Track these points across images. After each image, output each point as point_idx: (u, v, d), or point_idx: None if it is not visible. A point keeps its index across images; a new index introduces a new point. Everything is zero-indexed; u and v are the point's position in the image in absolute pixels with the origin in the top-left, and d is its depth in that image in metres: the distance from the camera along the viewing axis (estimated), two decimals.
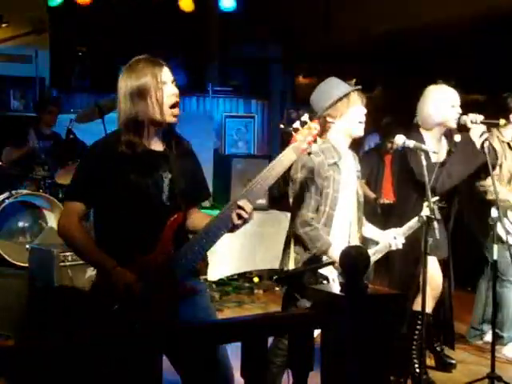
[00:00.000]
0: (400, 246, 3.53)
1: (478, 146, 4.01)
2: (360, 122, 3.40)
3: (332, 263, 3.22)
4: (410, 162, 4.04)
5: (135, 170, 2.62)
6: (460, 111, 4.09)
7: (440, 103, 4.08)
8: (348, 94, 3.36)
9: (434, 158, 4.02)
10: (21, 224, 5.89)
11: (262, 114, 9.82)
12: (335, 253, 3.20)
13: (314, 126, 2.67)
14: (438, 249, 4.07)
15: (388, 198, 6.23)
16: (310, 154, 3.02)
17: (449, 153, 4.22)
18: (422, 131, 4.15)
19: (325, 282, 3.24)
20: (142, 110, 2.60)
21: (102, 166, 2.62)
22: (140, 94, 2.60)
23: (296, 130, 2.65)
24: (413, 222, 3.58)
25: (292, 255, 3.39)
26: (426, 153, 3.71)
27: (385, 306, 2.22)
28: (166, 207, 2.66)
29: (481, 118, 4.03)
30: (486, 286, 4.91)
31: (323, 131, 3.37)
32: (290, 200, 3.42)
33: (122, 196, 2.62)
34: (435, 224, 3.51)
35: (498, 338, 4.65)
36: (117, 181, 2.61)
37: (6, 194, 5.75)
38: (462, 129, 4.16)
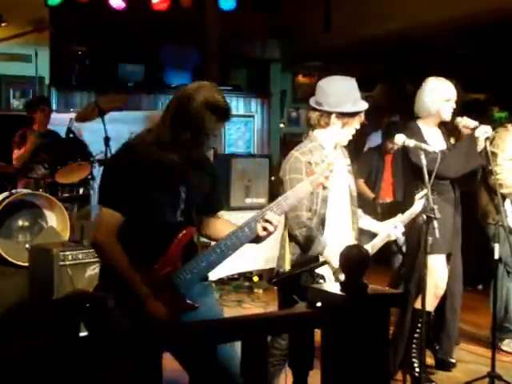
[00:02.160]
0: (400, 235, 3.51)
1: (482, 143, 4.03)
2: (351, 133, 3.40)
3: (327, 262, 3.22)
4: (410, 160, 4.05)
5: (158, 182, 2.60)
6: (454, 106, 4.17)
7: (435, 95, 4.16)
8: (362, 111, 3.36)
9: (432, 148, 4.02)
10: (21, 223, 5.87)
11: (262, 114, 9.82)
12: (330, 253, 3.21)
13: (332, 162, 2.73)
14: (444, 244, 4.06)
15: (387, 197, 6.23)
16: (324, 188, 3.02)
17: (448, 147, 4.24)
18: (419, 122, 4.21)
19: (321, 280, 3.24)
20: (188, 139, 2.57)
21: (136, 173, 2.57)
22: (196, 126, 2.55)
23: (316, 164, 2.73)
24: (414, 209, 3.56)
25: (288, 256, 3.38)
26: (427, 152, 3.71)
27: (385, 305, 2.21)
28: (179, 222, 2.65)
29: (475, 123, 4.06)
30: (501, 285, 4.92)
31: (316, 126, 3.37)
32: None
33: (140, 207, 2.58)
34: (435, 223, 3.51)
35: (508, 333, 4.70)
36: (140, 191, 2.57)
37: (5, 194, 5.74)
38: (453, 130, 4.23)
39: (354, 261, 2.17)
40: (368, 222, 3.58)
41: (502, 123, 4.66)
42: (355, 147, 7.49)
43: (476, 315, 5.45)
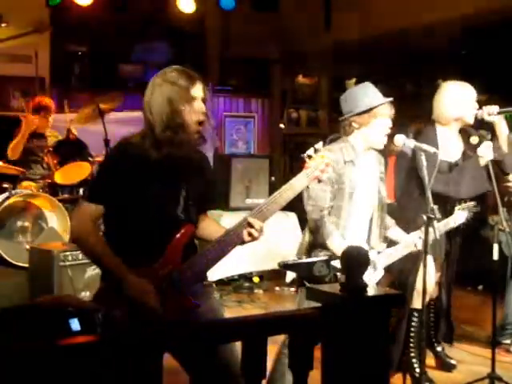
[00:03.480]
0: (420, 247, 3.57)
1: (489, 157, 4.01)
2: (382, 134, 3.47)
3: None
4: (412, 161, 4.06)
5: (155, 179, 2.59)
6: (477, 107, 4.12)
7: (458, 99, 4.13)
8: (376, 106, 3.43)
9: (447, 156, 4.02)
10: (21, 224, 5.88)
11: (262, 114, 9.82)
12: (334, 243, 3.27)
13: (327, 155, 2.74)
14: (435, 247, 4.08)
15: (390, 199, 6.24)
16: (320, 181, 3.06)
17: (464, 154, 4.23)
18: (438, 126, 4.18)
19: (338, 273, 3.26)
20: (171, 117, 2.57)
21: (126, 168, 2.57)
22: (171, 99, 2.57)
23: (309, 156, 2.70)
24: (452, 220, 3.61)
25: (304, 243, 3.47)
26: (428, 153, 3.71)
27: (385, 305, 2.22)
28: (180, 220, 2.65)
29: (496, 108, 4.04)
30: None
31: (346, 133, 3.53)
32: (305, 193, 3.46)
33: (138, 204, 2.58)
34: (435, 224, 3.52)
35: None
36: (136, 188, 2.57)
37: (5, 194, 5.74)
38: (478, 126, 4.21)
39: (354, 261, 2.17)
40: (396, 233, 3.67)
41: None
42: None
43: (476, 315, 5.45)
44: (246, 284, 6.71)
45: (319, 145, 2.73)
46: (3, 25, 7.42)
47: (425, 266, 3.54)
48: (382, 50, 8.28)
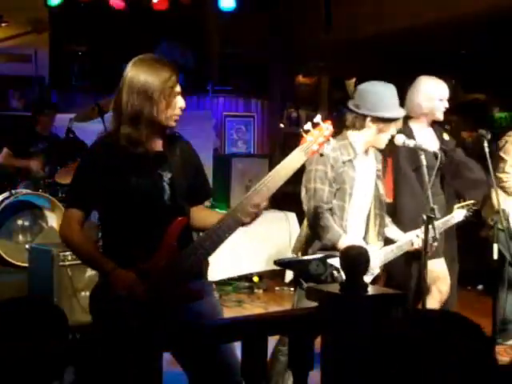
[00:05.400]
0: (421, 244, 3.54)
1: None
2: (388, 138, 3.46)
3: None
4: (410, 160, 4.07)
5: (135, 170, 2.57)
6: (447, 105, 4.16)
7: (429, 94, 4.14)
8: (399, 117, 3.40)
9: (433, 149, 4.02)
10: (21, 224, 5.88)
11: (262, 114, 9.81)
12: (343, 245, 3.25)
13: (326, 127, 2.60)
14: (441, 247, 4.08)
15: (389, 198, 6.23)
16: (321, 155, 3.02)
17: (441, 149, 4.22)
18: (411, 123, 4.19)
19: (335, 272, 3.25)
20: (145, 108, 2.53)
21: (101, 169, 2.58)
22: (146, 91, 2.52)
23: (306, 131, 2.58)
24: (451, 218, 3.60)
25: (301, 239, 3.44)
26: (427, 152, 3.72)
27: (385, 306, 2.21)
28: (168, 208, 2.62)
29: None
30: (508, 286, 4.92)
31: (353, 127, 3.42)
32: (303, 190, 3.42)
33: (123, 197, 2.58)
34: (435, 223, 3.52)
35: None
36: (117, 182, 2.57)
37: (5, 194, 5.74)
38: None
39: (353, 261, 2.17)
40: (393, 232, 3.64)
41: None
42: None
43: (476, 315, 5.43)
44: (246, 284, 6.71)
45: (318, 118, 2.61)
46: (3, 24, 7.41)
47: (425, 266, 3.54)
48: (382, 49, 8.28)
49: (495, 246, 4.06)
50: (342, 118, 3.52)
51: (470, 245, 5.40)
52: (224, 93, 9.63)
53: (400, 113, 3.41)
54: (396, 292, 2.41)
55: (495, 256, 4.05)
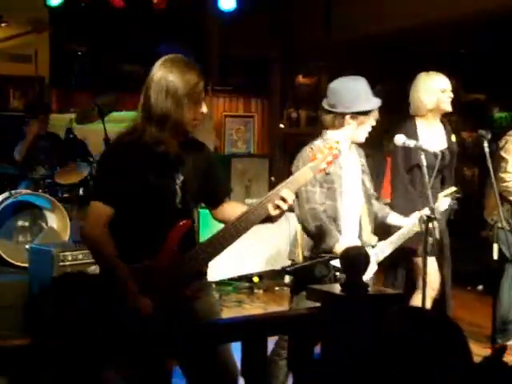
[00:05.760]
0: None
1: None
2: (367, 132, 3.44)
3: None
4: (406, 159, 4.09)
5: (154, 170, 2.57)
6: (451, 95, 4.14)
7: (429, 88, 4.16)
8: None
9: (434, 148, 4.02)
10: (21, 224, 5.87)
11: (262, 114, 9.81)
12: (342, 248, 3.24)
13: (336, 146, 2.65)
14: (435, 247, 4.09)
15: (388, 198, 6.23)
16: (328, 174, 3.04)
17: (450, 150, 4.23)
18: (417, 120, 4.19)
19: (337, 273, 3.25)
20: (172, 110, 2.53)
21: (125, 166, 2.55)
22: (174, 94, 2.52)
23: (317, 148, 2.65)
24: (438, 206, 3.59)
25: (300, 249, 3.42)
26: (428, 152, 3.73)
27: (385, 306, 2.21)
28: (178, 210, 2.63)
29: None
30: (509, 285, 4.91)
31: (333, 127, 3.38)
32: (296, 200, 3.40)
33: (140, 196, 2.56)
34: (435, 224, 3.52)
35: None
36: (137, 180, 2.55)
37: (5, 194, 5.74)
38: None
39: (354, 261, 2.17)
40: (396, 218, 3.63)
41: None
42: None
43: (476, 315, 5.45)
44: (246, 284, 6.71)
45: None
46: (3, 24, 7.41)
47: (425, 266, 3.54)
48: (382, 49, 8.28)
49: (495, 246, 4.06)
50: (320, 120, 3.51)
51: (470, 245, 5.40)
52: (224, 93, 9.63)
53: (377, 102, 3.40)
54: (396, 292, 2.42)
55: (495, 256, 4.05)
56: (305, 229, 3.38)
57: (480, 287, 6.62)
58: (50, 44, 8.12)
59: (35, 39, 7.70)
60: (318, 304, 2.22)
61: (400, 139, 3.71)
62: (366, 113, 3.36)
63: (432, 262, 4.09)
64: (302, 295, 3.24)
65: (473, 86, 8.61)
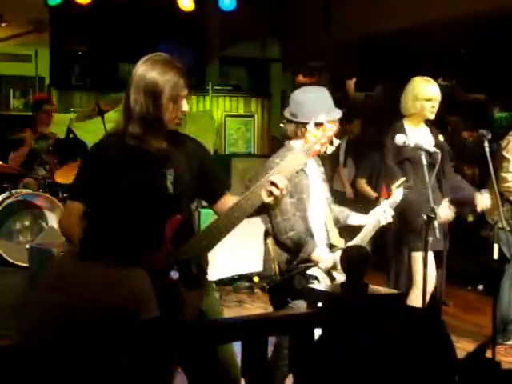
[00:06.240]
0: (390, 219, 3.52)
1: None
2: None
3: (315, 264, 3.24)
4: (395, 155, 4.14)
5: (139, 168, 2.57)
6: (436, 106, 4.19)
7: (416, 95, 4.22)
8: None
9: (433, 149, 4.04)
10: (21, 224, 5.88)
11: (262, 113, 9.82)
12: (319, 254, 3.23)
13: (330, 127, 2.57)
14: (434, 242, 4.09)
15: (384, 197, 6.23)
16: (323, 156, 3.00)
17: (436, 146, 4.25)
18: (405, 121, 4.27)
19: (315, 281, 3.24)
20: (151, 110, 2.52)
21: (105, 165, 2.58)
22: (153, 93, 2.51)
23: (309, 131, 2.57)
24: (395, 198, 3.58)
25: (275, 261, 3.37)
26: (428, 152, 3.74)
27: (385, 305, 2.21)
28: (171, 206, 2.60)
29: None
30: (509, 285, 4.92)
31: (296, 136, 3.35)
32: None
33: (125, 195, 2.57)
34: (435, 223, 3.52)
35: None
36: (120, 179, 2.56)
37: (5, 194, 5.74)
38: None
39: (354, 261, 2.17)
40: (357, 218, 3.61)
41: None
42: (356, 147, 7.49)
43: (476, 315, 5.45)
44: (247, 284, 6.71)
45: (322, 118, 2.57)
46: (3, 24, 7.42)
47: (425, 266, 3.54)
48: (382, 49, 8.28)
49: (495, 246, 4.06)
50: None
51: (470, 245, 5.40)
52: (224, 92, 9.64)
53: (338, 113, 3.38)
54: (396, 292, 2.42)
55: (495, 256, 4.05)
56: (279, 242, 3.34)
57: (480, 287, 6.62)
58: (50, 44, 8.13)
59: (35, 39, 7.71)
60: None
61: (400, 139, 3.73)
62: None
63: (429, 257, 4.10)
64: (289, 308, 3.23)
65: (473, 86, 8.62)
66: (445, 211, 3.90)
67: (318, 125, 3.02)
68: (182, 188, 2.64)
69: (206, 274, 2.77)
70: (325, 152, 2.63)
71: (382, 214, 3.50)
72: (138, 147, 2.56)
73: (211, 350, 2.46)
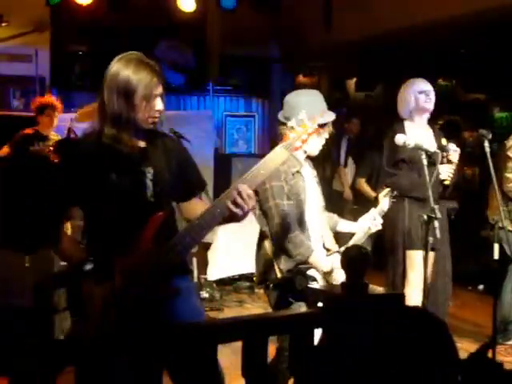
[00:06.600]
0: (379, 227, 3.52)
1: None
2: (321, 144, 3.43)
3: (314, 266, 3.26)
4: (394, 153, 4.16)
5: (116, 168, 2.54)
6: (431, 97, 4.25)
7: (408, 89, 4.31)
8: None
9: (433, 148, 4.05)
10: None
11: (263, 113, 9.83)
12: (317, 259, 3.24)
13: (310, 125, 2.59)
14: (418, 240, 4.11)
15: None
16: (305, 152, 3.06)
17: (442, 151, 4.25)
18: (406, 123, 4.30)
19: (314, 282, 3.24)
20: (124, 110, 2.51)
21: (82, 166, 2.56)
22: (125, 93, 2.50)
23: (291, 128, 2.59)
24: (382, 207, 3.58)
25: (275, 262, 3.36)
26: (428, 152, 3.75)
27: (385, 306, 2.21)
28: (151, 204, 2.58)
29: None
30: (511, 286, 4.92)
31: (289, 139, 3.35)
32: (257, 209, 3.34)
33: (105, 195, 2.54)
34: (436, 223, 3.52)
35: None
36: (98, 180, 2.54)
37: None
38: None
39: (354, 261, 2.17)
40: (346, 225, 3.62)
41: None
42: (356, 147, 7.50)
43: (476, 315, 5.45)
44: (247, 284, 6.71)
45: (302, 115, 2.56)
46: (3, 24, 7.43)
47: (425, 266, 3.55)
48: (382, 49, 8.28)
49: (496, 246, 4.06)
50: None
51: (470, 245, 5.41)
52: (224, 92, 9.64)
53: (332, 116, 3.39)
54: (396, 292, 2.42)
55: (496, 256, 4.06)
56: (277, 244, 3.31)
57: (481, 287, 6.63)
58: (50, 44, 8.13)
59: (35, 39, 7.70)
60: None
61: (401, 139, 3.74)
62: (321, 126, 3.33)
63: (417, 256, 4.11)
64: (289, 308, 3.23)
65: (473, 86, 8.62)
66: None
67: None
68: (162, 185, 2.62)
69: (190, 273, 2.74)
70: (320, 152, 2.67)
71: (372, 221, 3.51)
72: (114, 147, 2.54)
73: (212, 349, 2.45)
